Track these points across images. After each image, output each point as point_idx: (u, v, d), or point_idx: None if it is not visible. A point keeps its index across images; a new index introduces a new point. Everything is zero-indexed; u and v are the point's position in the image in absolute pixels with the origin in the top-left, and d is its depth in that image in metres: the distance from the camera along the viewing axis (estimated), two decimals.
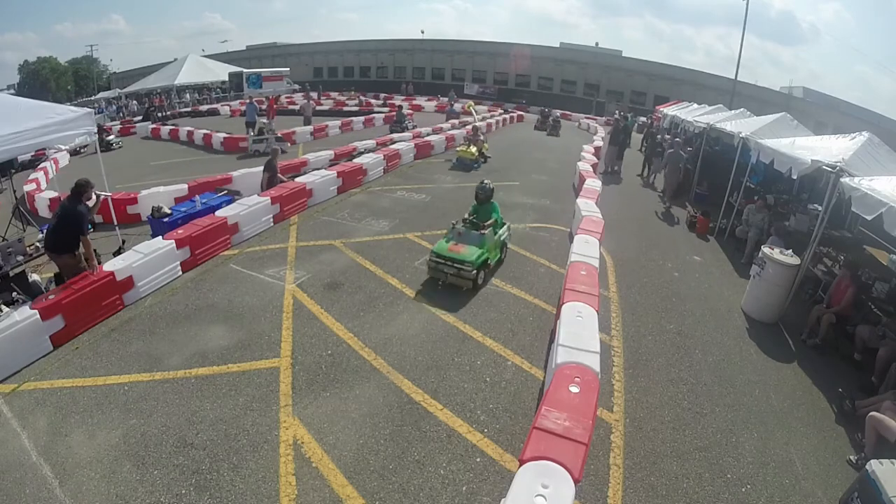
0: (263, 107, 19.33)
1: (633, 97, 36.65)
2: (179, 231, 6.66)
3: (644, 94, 36.66)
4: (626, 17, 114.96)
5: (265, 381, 4.48)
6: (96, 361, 4.73)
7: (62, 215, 5.37)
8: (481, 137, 14.85)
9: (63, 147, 6.35)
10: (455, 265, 6.02)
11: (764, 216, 8.31)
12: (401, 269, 6.83)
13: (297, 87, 34.19)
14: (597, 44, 43.30)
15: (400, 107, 22.65)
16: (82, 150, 15.35)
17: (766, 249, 6.22)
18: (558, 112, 27.77)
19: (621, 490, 3.55)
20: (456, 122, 21.23)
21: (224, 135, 16.71)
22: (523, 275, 6.91)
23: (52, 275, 6.03)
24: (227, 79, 34.15)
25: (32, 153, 12.40)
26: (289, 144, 16.32)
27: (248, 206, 7.90)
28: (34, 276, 5.88)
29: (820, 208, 6.69)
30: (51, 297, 4.95)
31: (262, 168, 9.70)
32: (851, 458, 4.03)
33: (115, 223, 7.13)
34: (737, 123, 10.58)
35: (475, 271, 6.03)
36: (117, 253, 6.27)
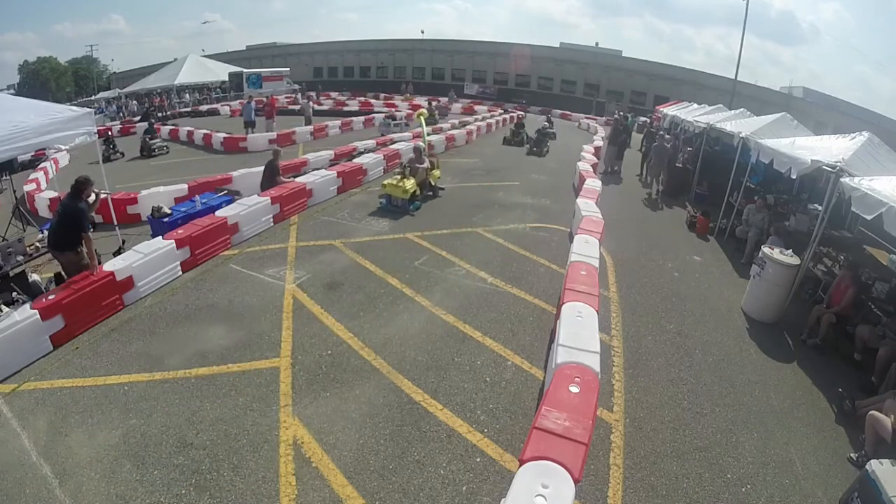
0: (263, 106, 19.38)
1: (633, 97, 36.69)
2: (179, 231, 6.66)
3: (644, 94, 36.71)
4: (626, 17, 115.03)
5: (265, 381, 4.48)
6: (96, 361, 4.73)
7: (63, 213, 5.39)
8: (426, 164, 9.96)
9: (63, 147, 6.35)
10: None
11: (764, 216, 8.31)
12: (401, 269, 6.83)
13: (296, 86, 34.34)
14: (597, 44, 43.38)
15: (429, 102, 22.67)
16: (113, 157, 14.76)
17: (766, 249, 6.22)
18: (545, 118, 20.90)
19: (621, 490, 3.55)
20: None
21: (224, 135, 16.72)
22: (523, 275, 6.91)
23: (52, 275, 6.03)
24: (227, 79, 34.42)
25: (32, 153, 12.41)
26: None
27: (248, 206, 7.90)
28: (34, 276, 5.88)
29: (820, 208, 6.69)
30: (51, 297, 4.95)
31: (262, 168, 9.71)
32: (852, 455, 4.03)
33: (115, 223, 7.13)
34: (737, 123, 10.57)
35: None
36: (117, 253, 6.28)
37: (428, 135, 13.19)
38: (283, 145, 15.48)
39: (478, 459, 3.71)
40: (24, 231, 7.59)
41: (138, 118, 23.67)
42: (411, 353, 4.96)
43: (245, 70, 34.85)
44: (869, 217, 4.95)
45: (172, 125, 20.07)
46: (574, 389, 3.45)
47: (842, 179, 5.54)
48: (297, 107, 25.11)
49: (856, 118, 26.99)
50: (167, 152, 15.75)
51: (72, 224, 5.30)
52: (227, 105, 28.20)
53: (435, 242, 7.88)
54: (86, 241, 5.35)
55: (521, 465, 2.86)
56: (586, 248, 6.17)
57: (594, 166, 13.17)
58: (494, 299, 6.15)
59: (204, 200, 8.43)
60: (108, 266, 5.59)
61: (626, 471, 3.72)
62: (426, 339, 5.23)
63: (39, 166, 13.25)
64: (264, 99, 18.72)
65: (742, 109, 14.32)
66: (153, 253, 6.05)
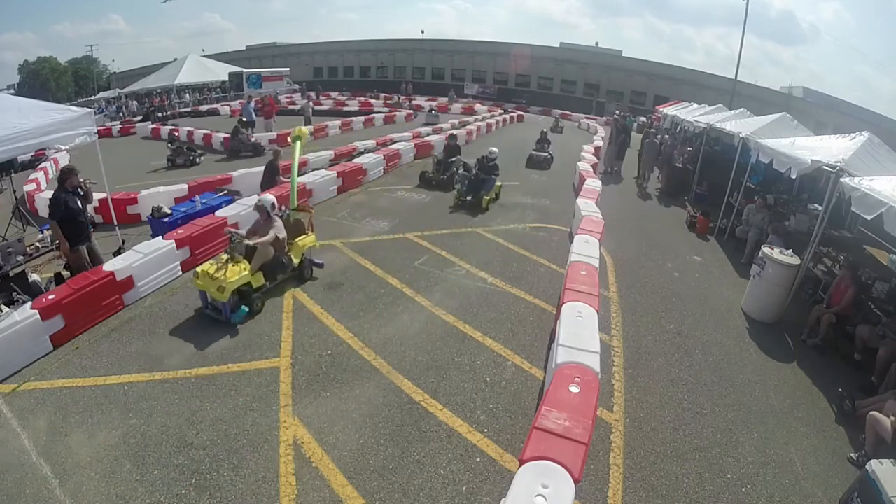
0: (262, 106, 19.38)
1: (633, 97, 36.69)
2: (179, 231, 6.66)
3: (644, 94, 36.70)
4: (626, 17, 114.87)
5: (265, 381, 4.48)
6: (96, 361, 4.73)
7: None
8: (272, 235, 5.74)
9: (63, 147, 6.36)
10: None
11: (764, 216, 8.31)
12: (401, 269, 6.83)
13: (296, 86, 34.34)
14: (597, 44, 43.35)
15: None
16: (198, 161, 13.50)
17: (766, 249, 6.22)
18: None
19: (621, 490, 3.55)
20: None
21: (224, 135, 16.69)
22: (523, 275, 6.91)
23: (52, 275, 6.04)
24: (227, 79, 34.40)
25: (32, 153, 12.41)
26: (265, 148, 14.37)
27: (249, 206, 7.87)
28: (34, 276, 5.89)
29: (820, 208, 6.69)
30: (51, 297, 4.95)
31: (262, 168, 9.70)
32: (852, 455, 4.03)
33: (115, 223, 7.13)
34: (737, 123, 10.58)
35: None
36: (117, 253, 6.27)
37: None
38: (283, 145, 15.46)
39: (478, 459, 3.71)
40: (24, 231, 7.59)
41: (138, 118, 23.69)
42: (411, 353, 4.96)
43: (245, 70, 34.86)
44: (869, 217, 4.95)
45: (172, 125, 20.05)
46: (574, 389, 3.45)
47: (842, 179, 5.54)
48: (296, 107, 25.11)
49: (856, 118, 26.97)
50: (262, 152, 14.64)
51: (53, 215, 5.43)
52: (227, 105, 28.18)
53: (435, 242, 7.88)
54: (52, 227, 5.51)
55: (521, 465, 2.86)
56: (586, 248, 6.16)
57: (594, 166, 13.18)
58: (494, 299, 6.15)
59: (204, 200, 8.42)
60: (108, 266, 5.58)
61: (626, 471, 3.72)
62: (426, 339, 5.23)
63: (39, 166, 13.28)
64: (263, 98, 18.74)
65: (742, 109, 14.32)
66: (153, 253, 6.05)
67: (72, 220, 5.56)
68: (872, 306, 6.05)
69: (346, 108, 27.94)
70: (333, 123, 20.06)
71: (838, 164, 5.79)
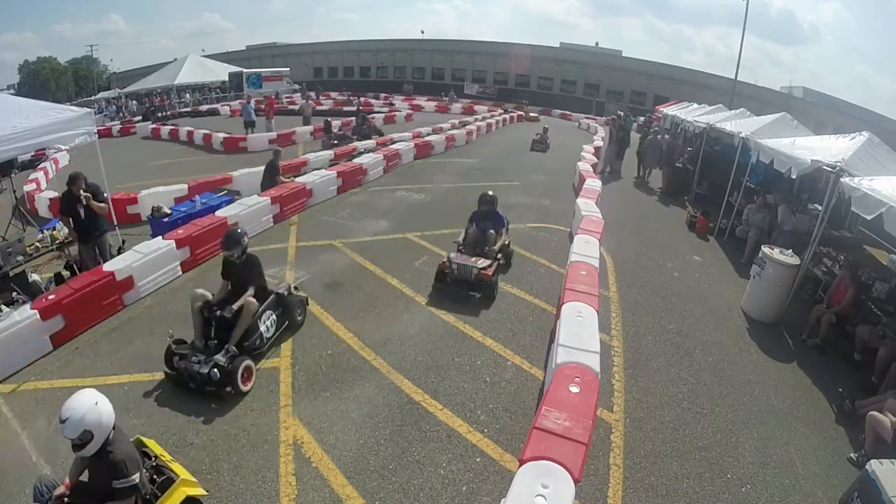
0: (262, 106, 19.40)
1: (633, 97, 36.72)
2: (179, 231, 6.66)
3: (644, 94, 36.74)
4: (626, 17, 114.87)
5: (265, 381, 4.47)
6: (96, 361, 4.73)
7: None
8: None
9: (63, 147, 6.37)
10: None
11: (764, 216, 8.31)
12: (401, 269, 6.83)
13: (296, 86, 34.33)
14: (597, 44, 43.41)
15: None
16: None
17: (766, 249, 6.22)
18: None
19: (621, 490, 3.55)
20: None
21: (224, 135, 16.72)
22: (523, 275, 6.91)
23: (52, 275, 6.04)
24: (227, 79, 34.38)
25: (32, 153, 12.41)
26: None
27: (248, 206, 7.90)
28: (34, 276, 5.88)
29: (820, 208, 6.69)
30: (51, 297, 4.95)
31: (262, 168, 9.71)
32: (852, 455, 4.03)
33: (115, 223, 7.12)
34: (737, 123, 10.57)
35: None
36: (117, 253, 6.27)
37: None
38: (282, 145, 15.48)
39: (478, 459, 3.70)
40: (24, 231, 7.58)
41: (139, 118, 23.69)
42: (411, 353, 4.96)
43: (245, 70, 34.89)
44: (869, 217, 4.95)
45: (172, 125, 20.06)
46: (574, 389, 3.45)
47: (842, 179, 5.54)
48: (296, 107, 25.12)
49: (856, 118, 26.99)
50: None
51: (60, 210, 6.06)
52: (227, 105, 28.19)
53: (435, 242, 7.87)
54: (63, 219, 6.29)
55: (521, 465, 2.86)
56: (586, 248, 6.16)
57: (594, 166, 13.18)
58: (494, 299, 6.15)
59: (204, 200, 8.43)
60: (108, 266, 5.58)
61: (626, 471, 3.72)
62: (426, 339, 5.23)
63: (39, 166, 13.28)
64: (262, 98, 18.78)
65: (742, 109, 14.32)
66: (153, 253, 6.05)
67: (74, 217, 5.86)
68: (872, 306, 6.05)
69: (346, 108, 27.92)
70: (333, 123, 20.01)
71: (838, 164, 5.79)
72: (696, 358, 5.30)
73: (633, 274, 7.33)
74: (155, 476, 2.94)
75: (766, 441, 4.16)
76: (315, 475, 3.51)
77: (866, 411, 4.08)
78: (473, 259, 5.97)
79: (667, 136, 15.72)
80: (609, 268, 7.44)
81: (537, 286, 6.58)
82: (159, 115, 24.28)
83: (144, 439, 3.14)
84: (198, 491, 2.95)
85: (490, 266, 5.93)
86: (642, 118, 25.82)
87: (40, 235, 6.76)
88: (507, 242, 6.69)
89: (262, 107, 19.28)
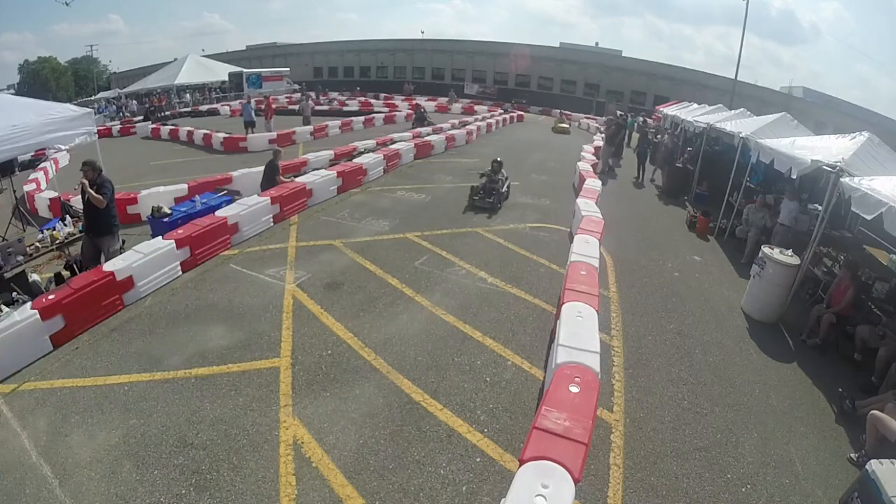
0: (262, 106, 19.39)
1: (633, 97, 36.66)
2: (179, 231, 6.66)
3: (644, 94, 36.69)
4: (625, 17, 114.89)
5: (265, 381, 4.48)
6: (96, 361, 4.73)
7: None
8: None
9: (63, 147, 6.37)
10: None
11: (763, 215, 8.32)
12: (401, 269, 6.83)
13: (296, 86, 34.32)
14: (597, 44, 43.37)
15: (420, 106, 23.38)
16: None
17: (766, 249, 6.22)
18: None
19: (621, 490, 3.55)
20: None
21: (224, 135, 16.72)
22: (523, 275, 6.91)
23: (51, 275, 6.04)
24: (227, 79, 34.38)
25: (32, 153, 12.41)
26: None
27: (248, 206, 7.90)
28: (34, 276, 5.89)
29: (820, 208, 6.69)
30: (51, 297, 4.95)
31: (262, 168, 9.71)
32: (852, 455, 4.03)
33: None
34: (737, 123, 10.57)
35: None
36: (119, 253, 6.27)
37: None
38: (282, 145, 15.48)
39: (478, 459, 3.71)
40: (24, 231, 7.59)
41: (139, 118, 23.68)
42: (411, 353, 4.96)
43: (245, 70, 34.88)
44: (869, 217, 4.95)
45: (172, 125, 20.06)
46: (574, 389, 3.45)
47: (842, 179, 5.54)
48: (296, 107, 25.12)
49: (856, 118, 26.99)
50: None
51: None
52: (227, 105, 28.19)
53: (435, 242, 7.88)
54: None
55: (521, 465, 2.86)
56: (586, 248, 6.17)
57: (594, 166, 13.18)
58: (494, 299, 6.15)
59: (204, 200, 8.42)
60: (108, 266, 5.59)
61: (626, 471, 3.72)
62: (426, 339, 5.23)
63: (39, 166, 13.28)
64: (263, 98, 18.77)
65: (742, 109, 14.33)
66: (153, 253, 6.05)
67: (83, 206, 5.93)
68: (872, 306, 6.05)
69: (346, 108, 27.93)
70: (333, 123, 20.06)
71: (838, 164, 5.79)
72: (696, 358, 5.30)
73: (633, 274, 7.33)
74: None
75: (766, 441, 4.16)
76: (315, 475, 3.51)
77: (866, 411, 4.08)
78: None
79: (665, 137, 15.76)
80: (609, 268, 7.44)
81: (537, 286, 6.58)
82: (159, 115, 24.27)
83: None
84: None
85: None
86: (641, 117, 25.81)
87: (40, 235, 6.75)
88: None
89: (262, 107, 19.25)
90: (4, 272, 5.71)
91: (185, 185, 9.62)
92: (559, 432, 3.04)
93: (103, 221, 5.98)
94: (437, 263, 7.11)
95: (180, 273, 6.51)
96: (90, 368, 4.62)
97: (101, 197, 5.72)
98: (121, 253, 6.15)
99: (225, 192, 9.21)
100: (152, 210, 7.96)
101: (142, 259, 5.87)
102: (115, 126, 21.36)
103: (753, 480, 3.73)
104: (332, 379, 4.53)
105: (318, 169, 11.06)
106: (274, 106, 20.11)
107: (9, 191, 9.58)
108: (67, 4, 29.54)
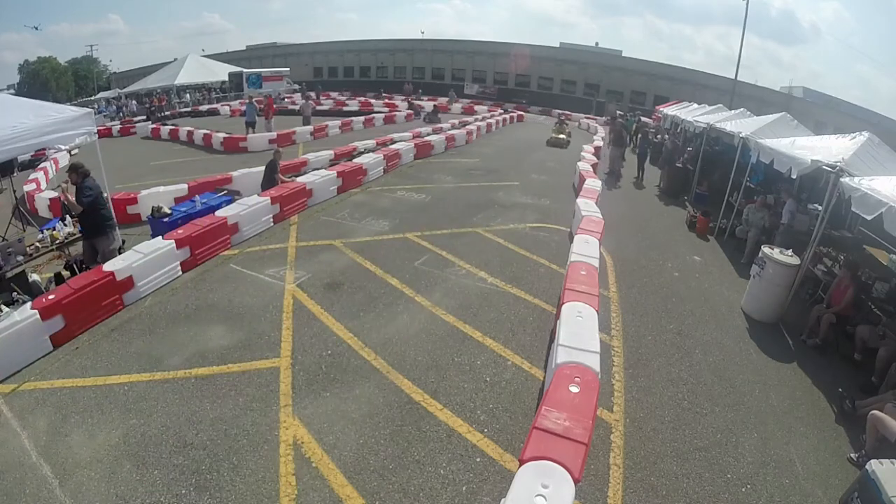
0: (262, 106, 19.40)
1: (633, 97, 36.62)
2: (179, 231, 6.66)
3: (644, 94, 36.64)
4: (625, 17, 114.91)
5: (265, 381, 4.48)
6: (96, 361, 4.73)
7: None
8: None
9: (63, 147, 6.37)
10: None
11: (763, 215, 8.32)
12: (401, 269, 6.83)
13: (296, 86, 34.32)
14: (597, 44, 43.34)
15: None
16: None
17: (766, 249, 6.22)
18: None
19: (621, 490, 3.55)
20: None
21: (224, 135, 16.72)
22: (523, 275, 6.91)
23: (51, 275, 6.04)
24: (227, 79, 34.39)
25: (32, 153, 12.42)
26: None
27: (248, 206, 7.90)
28: (34, 276, 5.89)
29: (820, 208, 6.69)
30: (51, 297, 4.95)
31: (262, 168, 9.71)
32: (852, 455, 4.03)
33: (115, 223, 7.11)
34: (737, 123, 10.58)
35: None
36: (118, 253, 6.27)
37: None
38: (282, 145, 15.49)
39: (478, 459, 3.70)
40: (24, 231, 7.59)
41: (139, 118, 23.69)
42: (411, 353, 4.96)
43: (245, 70, 34.86)
44: (869, 217, 4.95)
45: (172, 125, 20.06)
46: (574, 389, 3.45)
47: (842, 179, 5.54)
48: (296, 107, 25.13)
49: (856, 118, 26.95)
50: None
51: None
52: (227, 105, 28.18)
53: (435, 242, 7.88)
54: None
55: (521, 465, 2.86)
56: (586, 248, 6.16)
57: (594, 166, 13.17)
58: (494, 299, 6.15)
59: (204, 200, 8.43)
60: (108, 266, 5.58)
61: (626, 471, 3.72)
62: (426, 339, 5.23)
63: (39, 166, 13.29)
64: (263, 98, 18.78)
65: (742, 109, 14.34)
66: (153, 253, 6.05)
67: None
68: (872, 306, 6.05)
69: (346, 108, 27.93)
70: (333, 123, 20.05)
71: (838, 164, 5.79)
72: (696, 358, 5.30)
73: (633, 274, 7.33)
74: None
75: (765, 441, 4.16)
76: (315, 475, 3.51)
77: (866, 411, 4.08)
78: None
79: (666, 137, 15.76)
80: (609, 268, 7.44)
81: (537, 286, 6.58)
82: (159, 115, 24.28)
83: None
84: None
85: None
86: (639, 116, 25.76)
87: (40, 235, 6.76)
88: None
89: (262, 107, 19.25)
90: (4, 272, 5.71)
91: (185, 185, 9.62)
92: (559, 432, 3.04)
93: (92, 222, 5.97)
94: (437, 263, 7.11)
95: (180, 273, 6.51)
96: (90, 368, 4.62)
97: (76, 203, 5.74)
98: (120, 253, 6.16)
99: (225, 192, 9.22)
100: (152, 210, 7.97)
101: (142, 259, 5.87)
102: (115, 126, 21.36)
103: (753, 480, 3.73)
104: (332, 379, 4.53)
105: (318, 169, 11.06)
106: (275, 106, 20.12)
107: (9, 191, 9.59)
108: (37, 28, 29.60)
